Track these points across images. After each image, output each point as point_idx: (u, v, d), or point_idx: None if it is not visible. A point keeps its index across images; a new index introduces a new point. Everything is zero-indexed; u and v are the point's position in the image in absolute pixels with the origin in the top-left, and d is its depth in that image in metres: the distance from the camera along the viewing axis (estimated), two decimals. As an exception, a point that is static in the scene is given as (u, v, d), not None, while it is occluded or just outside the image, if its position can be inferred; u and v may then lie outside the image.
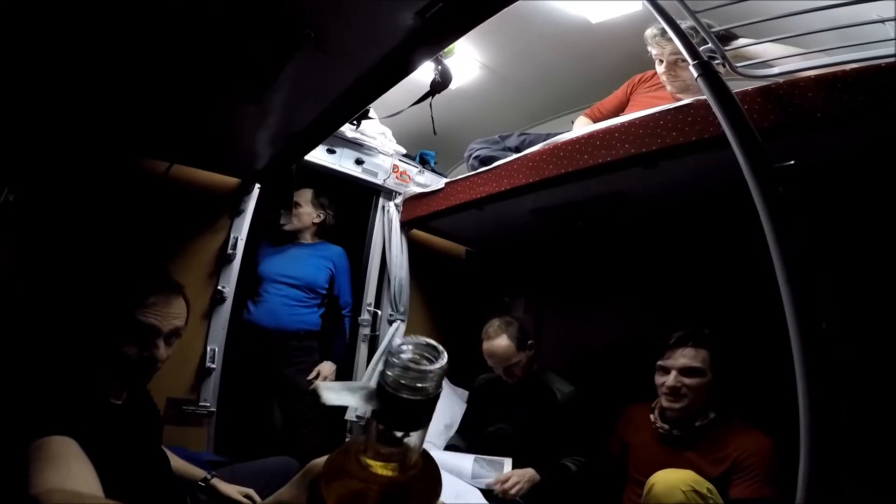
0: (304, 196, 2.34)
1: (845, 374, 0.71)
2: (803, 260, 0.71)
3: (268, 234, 2.38)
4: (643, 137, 1.34)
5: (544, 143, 1.65)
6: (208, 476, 1.34)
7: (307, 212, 2.34)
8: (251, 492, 1.36)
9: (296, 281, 2.27)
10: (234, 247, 2.01)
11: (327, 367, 2.24)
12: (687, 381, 1.39)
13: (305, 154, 1.88)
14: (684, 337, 1.45)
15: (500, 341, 1.80)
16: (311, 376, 2.18)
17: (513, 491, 1.57)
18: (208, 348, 1.97)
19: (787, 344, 0.75)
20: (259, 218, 2.11)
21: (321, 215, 2.37)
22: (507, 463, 1.68)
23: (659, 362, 1.47)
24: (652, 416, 1.48)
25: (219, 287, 1.99)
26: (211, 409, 1.96)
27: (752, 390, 1.52)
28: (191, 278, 1.90)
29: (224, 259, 2.02)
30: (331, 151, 2.27)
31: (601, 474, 1.62)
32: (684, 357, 1.42)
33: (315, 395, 2.16)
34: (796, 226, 0.73)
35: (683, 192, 1.56)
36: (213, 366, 1.97)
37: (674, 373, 1.42)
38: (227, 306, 2.01)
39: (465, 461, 1.71)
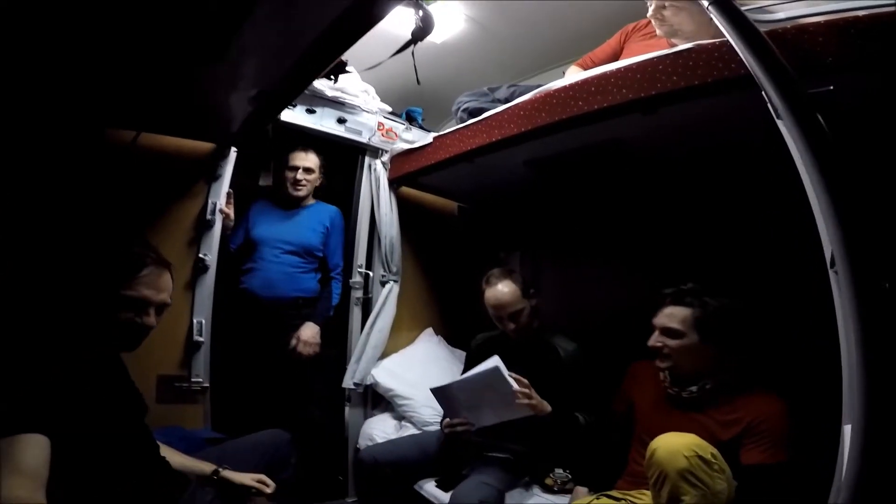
0: (315, 161, 2.28)
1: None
2: (857, 199, 0.63)
3: (260, 197, 2.31)
4: (641, 82, 1.26)
5: (536, 91, 1.56)
6: (219, 469, 1.32)
7: (317, 177, 2.30)
8: (264, 477, 1.36)
9: (293, 246, 2.21)
10: (213, 212, 1.93)
11: (307, 332, 2.14)
12: (668, 341, 1.35)
13: (279, 113, 1.80)
14: (666, 295, 1.40)
15: (504, 286, 1.75)
16: (298, 349, 2.12)
17: (526, 400, 1.51)
18: (195, 321, 1.91)
19: (808, 302, 0.68)
20: (238, 181, 2.02)
21: (321, 178, 2.33)
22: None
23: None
24: (662, 375, 1.43)
25: (200, 255, 1.91)
26: (204, 385, 1.91)
27: (759, 351, 1.49)
28: (170, 248, 1.81)
29: (203, 225, 1.93)
30: (311, 112, 2.16)
31: (606, 434, 1.59)
32: (664, 317, 1.38)
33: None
34: (841, 158, 0.64)
35: (685, 142, 1.49)
36: (202, 339, 1.91)
37: (656, 332, 1.39)
38: (210, 275, 1.93)
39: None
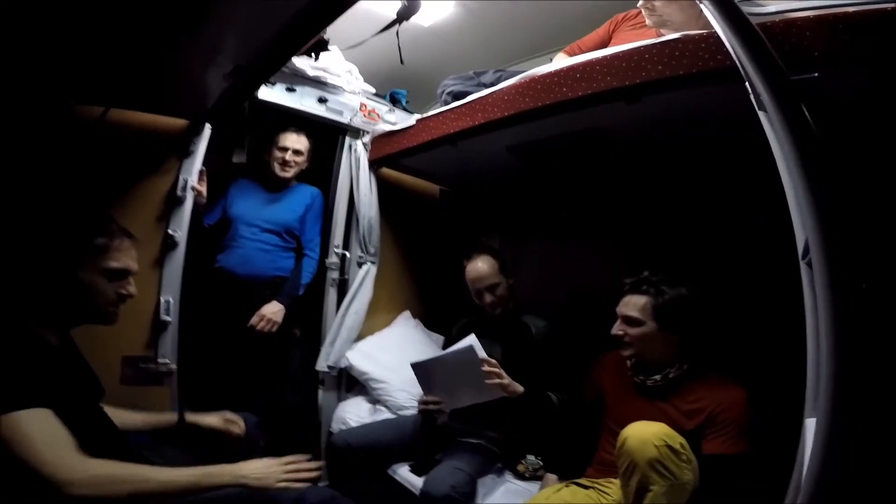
0: (306, 144, 2.24)
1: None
2: (839, 195, 0.61)
3: (241, 176, 2.26)
4: (626, 70, 1.25)
5: (521, 76, 1.54)
6: (183, 413, 1.31)
7: (304, 160, 2.26)
8: (232, 415, 1.36)
9: (273, 225, 2.17)
10: (184, 189, 1.86)
11: (270, 308, 2.09)
12: (628, 329, 1.37)
13: (256, 90, 1.74)
14: (625, 284, 1.43)
15: (482, 262, 1.81)
16: (252, 321, 2.07)
17: (496, 380, 1.48)
18: (162, 300, 1.84)
19: (777, 292, 0.68)
20: (212, 157, 1.95)
21: (307, 162, 2.29)
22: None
23: None
24: (629, 363, 1.44)
25: (169, 231, 1.84)
26: (171, 367, 1.86)
27: (727, 340, 1.51)
28: (138, 223, 1.71)
29: (174, 202, 1.86)
30: (290, 90, 2.10)
31: (579, 415, 1.58)
32: (624, 305, 1.40)
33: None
34: (825, 150, 0.62)
35: (669, 132, 1.50)
36: (169, 318, 1.85)
37: (618, 321, 1.40)
38: (179, 252, 1.86)
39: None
